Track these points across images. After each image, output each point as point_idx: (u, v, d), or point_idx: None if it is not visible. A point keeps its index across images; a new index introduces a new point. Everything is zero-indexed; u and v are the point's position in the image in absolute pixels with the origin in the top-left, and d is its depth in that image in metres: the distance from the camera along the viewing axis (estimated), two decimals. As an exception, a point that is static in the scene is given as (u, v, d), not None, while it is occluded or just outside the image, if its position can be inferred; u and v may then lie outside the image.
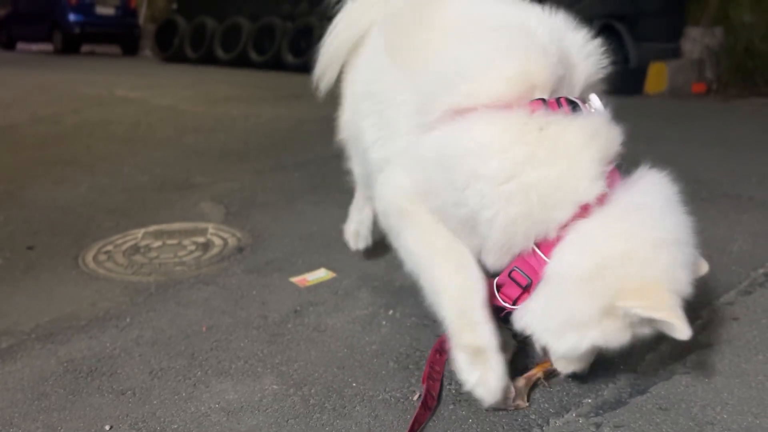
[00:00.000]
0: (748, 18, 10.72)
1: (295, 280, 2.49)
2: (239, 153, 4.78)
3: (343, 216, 2.65)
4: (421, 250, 1.70)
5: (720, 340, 2.05)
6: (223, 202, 3.51)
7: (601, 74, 1.69)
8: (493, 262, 1.63)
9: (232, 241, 2.92)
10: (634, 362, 1.92)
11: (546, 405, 1.70)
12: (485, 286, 1.62)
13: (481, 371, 1.60)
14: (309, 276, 2.50)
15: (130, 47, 17.34)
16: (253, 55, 12.73)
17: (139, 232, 3.02)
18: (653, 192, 1.53)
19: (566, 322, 1.49)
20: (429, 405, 1.66)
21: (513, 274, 1.58)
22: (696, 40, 10.31)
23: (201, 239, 2.94)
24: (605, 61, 1.69)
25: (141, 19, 17.62)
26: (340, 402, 1.71)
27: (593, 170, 1.47)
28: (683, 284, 1.44)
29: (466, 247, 1.65)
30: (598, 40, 1.69)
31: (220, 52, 13.28)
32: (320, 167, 4.15)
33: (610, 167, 1.51)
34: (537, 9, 1.69)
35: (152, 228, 3.08)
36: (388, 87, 1.81)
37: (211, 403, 1.70)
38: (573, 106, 1.55)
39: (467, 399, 1.72)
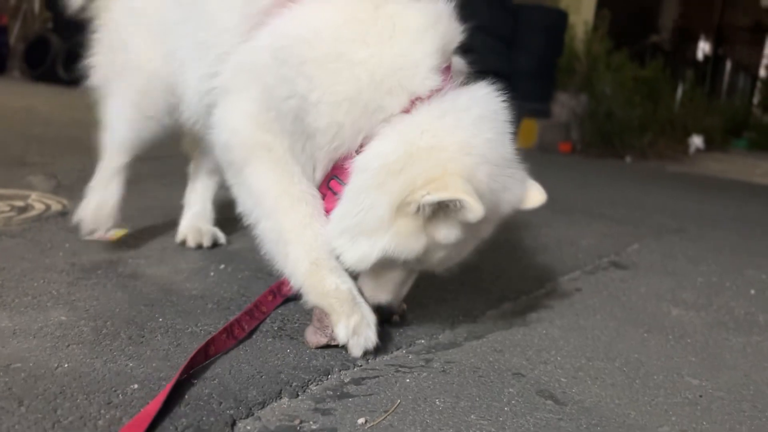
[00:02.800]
0: (609, 89, 11.72)
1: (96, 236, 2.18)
2: (90, 145, 4.39)
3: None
4: (267, 190, 1.48)
5: (561, 304, 2.02)
6: (56, 177, 3.15)
7: None
8: (318, 173, 1.49)
9: (56, 207, 2.58)
10: (474, 315, 1.82)
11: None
12: None
13: (357, 319, 1.43)
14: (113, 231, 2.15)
15: (-4, 66, 16.08)
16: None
17: (-56, 192, 2.61)
18: (483, 103, 1.41)
19: (359, 225, 1.34)
20: (235, 335, 1.45)
21: (331, 184, 1.43)
22: (564, 104, 11.10)
23: (19, 203, 2.58)
24: None
25: (12, 38, 16.49)
26: (138, 332, 1.47)
27: (432, 60, 1.36)
28: (483, 185, 1.31)
29: (316, 192, 1.50)
30: None
31: (96, 75, 12.58)
32: (178, 160, 3.88)
33: (446, 63, 1.42)
34: None
35: (-38, 191, 2.68)
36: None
37: (-26, 330, 1.40)
38: None
39: (289, 334, 1.54)
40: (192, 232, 2.19)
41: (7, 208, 2.49)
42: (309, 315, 1.62)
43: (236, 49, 1.50)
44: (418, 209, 1.29)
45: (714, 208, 4.74)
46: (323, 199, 1.48)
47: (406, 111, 1.36)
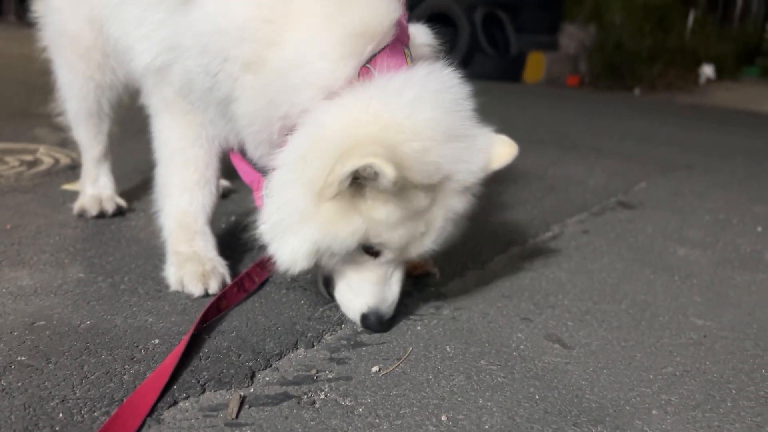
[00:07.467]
0: (618, 18, 11.41)
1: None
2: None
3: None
4: (168, 143, 1.58)
5: (569, 247, 2.04)
6: (62, 129, 3.15)
7: None
8: (259, 155, 1.44)
9: (64, 160, 2.61)
10: (482, 261, 1.85)
11: (386, 291, 1.58)
12: (214, 204, 1.63)
13: (190, 269, 1.50)
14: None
15: (-8, 11, 15.78)
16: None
17: (-47, 149, 2.63)
18: (422, 83, 1.27)
19: (281, 221, 1.26)
20: (246, 287, 1.50)
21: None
22: (572, 36, 10.82)
23: (29, 157, 2.61)
24: None
25: (6, -19, 16.08)
26: (155, 287, 1.51)
27: (340, 48, 1.25)
28: (410, 158, 1.20)
29: (214, 159, 1.57)
30: None
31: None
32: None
33: (379, 46, 1.28)
34: None
35: (-30, 146, 2.70)
36: None
37: (-3, 289, 1.44)
38: None
39: (302, 285, 1.58)
40: (92, 203, 2.07)
41: (17, 163, 2.52)
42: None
43: (166, 21, 1.42)
44: (337, 192, 1.19)
45: (723, 141, 4.70)
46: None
47: (326, 99, 1.27)
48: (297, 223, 1.24)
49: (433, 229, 1.32)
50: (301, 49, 1.26)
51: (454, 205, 1.33)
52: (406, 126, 1.22)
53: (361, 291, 1.37)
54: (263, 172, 1.44)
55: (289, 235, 1.25)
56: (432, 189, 1.26)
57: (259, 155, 1.44)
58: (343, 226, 1.23)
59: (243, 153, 1.55)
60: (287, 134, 1.31)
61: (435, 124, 1.25)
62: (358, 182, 1.20)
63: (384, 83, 1.25)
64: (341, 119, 1.22)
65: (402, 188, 1.21)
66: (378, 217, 1.24)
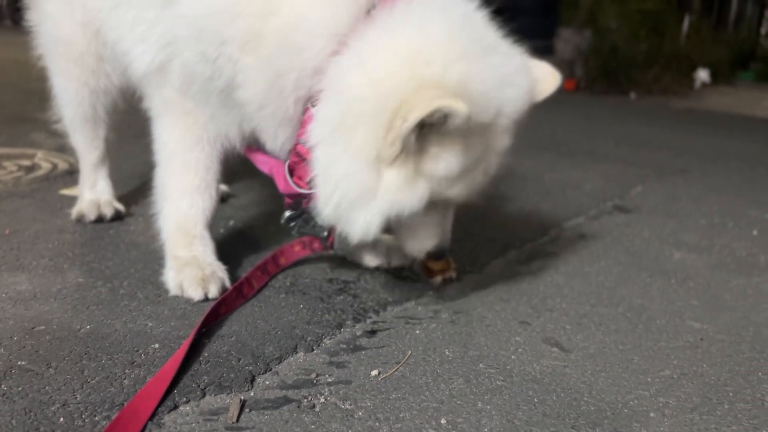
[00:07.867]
0: (614, 23, 11.45)
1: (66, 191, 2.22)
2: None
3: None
4: (167, 145, 1.56)
5: (566, 251, 2.05)
6: (60, 134, 3.15)
7: None
8: (281, 142, 1.41)
9: (62, 166, 2.60)
10: (480, 265, 1.86)
11: (384, 295, 1.59)
12: (213, 208, 1.61)
13: (190, 273, 1.49)
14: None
15: (-13, 15, 15.74)
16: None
17: (-50, 153, 2.63)
18: (425, 5, 1.25)
19: (343, 200, 1.24)
20: (244, 293, 1.50)
21: (298, 149, 1.35)
22: (568, 40, 10.87)
23: (26, 162, 2.61)
24: None
25: (2, -14, 16.06)
26: (155, 291, 1.51)
27: None
28: (462, 87, 1.16)
29: (214, 162, 1.55)
30: None
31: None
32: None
33: None
34: None
35: (-33, 151, 2.69)
36: None
37: (-4, 294, 1.44)
38: None
39: (301, 289, 1.59)
40: (90, 208, 2.04)
41: (15, 168, 2.52)
42: (320, 270, 1.68)
43: (159, 17, 1.41)
44: (401, 151, 1.16)
45: (718, 145, 4.73)
46: (296, 168, 1.39)
47: (336, 53, 1.24)
48: (361, 198, 1.23)
49: (488, 177, 1.34)
50: (298, 8, 1.24)
51: (505, 144, 1.33)
52: (428, 49, 1.19)
53: (425, 235, 1.42)
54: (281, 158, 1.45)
55: (357, 211, 1.25)
56: (485, 131, 1.24)
57: (281, 141, 1.41)
58: (409, 194, 1.22)
59: (251, 147, 1.54)
60: (307, 106, 1.29)
61: (455, 38, 1.22)
62: (422, 132, 1.17)
63: (386, 18, 1.23)
64: (363, 72, 1.20)
65: (462, 135, 1.18)
66: (440, 171, 1.22)
